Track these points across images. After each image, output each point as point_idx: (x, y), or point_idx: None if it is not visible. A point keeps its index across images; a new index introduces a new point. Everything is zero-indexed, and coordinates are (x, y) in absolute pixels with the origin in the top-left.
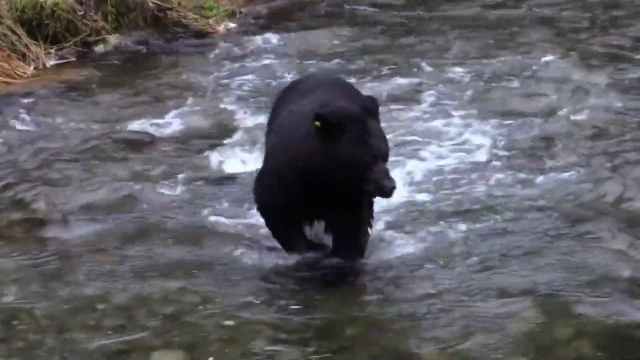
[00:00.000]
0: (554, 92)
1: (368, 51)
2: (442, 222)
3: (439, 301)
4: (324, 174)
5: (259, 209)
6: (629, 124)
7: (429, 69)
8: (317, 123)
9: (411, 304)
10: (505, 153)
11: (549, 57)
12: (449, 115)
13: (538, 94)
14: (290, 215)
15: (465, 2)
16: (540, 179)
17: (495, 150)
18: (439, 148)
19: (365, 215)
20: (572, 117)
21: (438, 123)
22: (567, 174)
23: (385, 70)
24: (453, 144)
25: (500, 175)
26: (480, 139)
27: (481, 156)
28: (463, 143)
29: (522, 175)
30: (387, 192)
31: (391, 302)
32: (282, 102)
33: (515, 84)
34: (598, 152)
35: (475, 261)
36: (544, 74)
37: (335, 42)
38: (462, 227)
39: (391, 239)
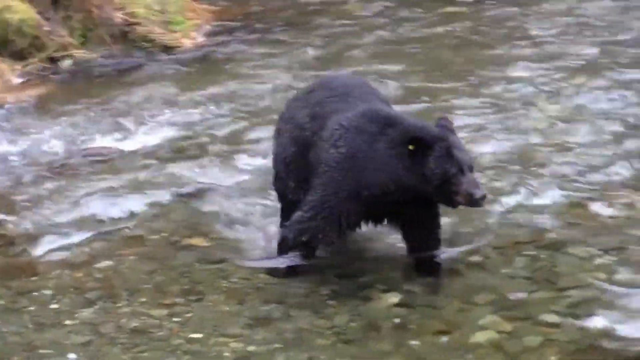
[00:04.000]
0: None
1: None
2: None
3: (406, 311)
4: (416, 191)
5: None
6: None
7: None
8: (411, 146)
9: (380, 312)
10: None
11: None
12: None
13: None
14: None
15: None
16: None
17: None
18: None
19: (438, 211)
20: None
21: None
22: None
23: None
24: None
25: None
26: None
27: None
28: None
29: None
30: (477, 201)
31: (360, 314)
32: (304, 108)
33: None
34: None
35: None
36: None
37: (305, 51)
38: None
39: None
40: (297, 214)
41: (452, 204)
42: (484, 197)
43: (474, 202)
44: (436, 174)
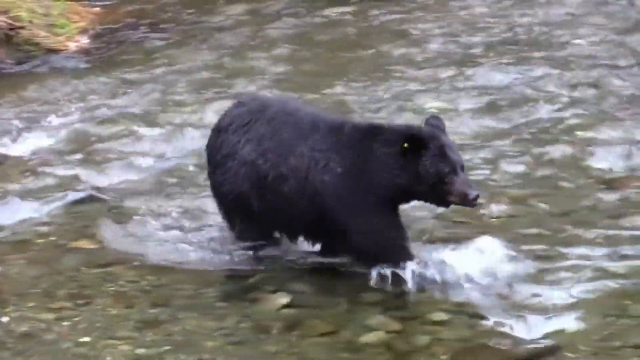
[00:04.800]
0: None
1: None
2: None
3: (295, 311)
4: (410, 192)
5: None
6: None
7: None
8: (406, 144)
9: (268, 313)
10: None
11: None
12: None
13: None
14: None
15: None
16: None
17: None
18: None
19: None
20: None
21: None
22: None
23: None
24: None
25: None
26: None
27: None
28: None
29: None
30: (471, 201)
31: (249, 316)
32: (248, 142)
33: None
34: None
35: (327, 270)
36: None
37: (191, 52)
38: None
39: None
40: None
41: (445, 203)
42: (477, 196)
43: (468, 201)
44: (430, 173)
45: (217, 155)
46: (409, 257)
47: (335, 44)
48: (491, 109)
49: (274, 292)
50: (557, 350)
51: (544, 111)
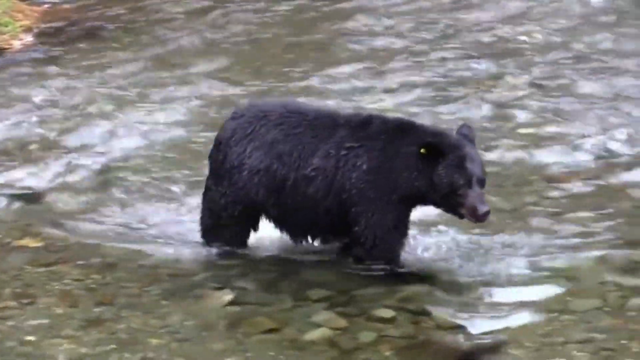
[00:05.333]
0: None
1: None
2: None
3: (239, 309)
4: (425, 195)
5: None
6: None
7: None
8: (423, 150)
9: (213, 310)
10: None
11: None
12: None
13: None
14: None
15: None
16: None
17: None
18: None
19: None
20: None
21: None
22: None
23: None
24: None
25: None
26: None
27: None
28: None
29: None
30: (480, 216)
31: (194, 313)
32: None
33: None
34: None
35: (273, 267)
36: None
37: (135, 51)
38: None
39: None
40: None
41: (457, 214)
42: (487, 212)
43: (477, 217)
44: (443, 183)
45: (220, 169)
46: (398, 263)
47: (279, 37)
48: (435, 102)
49: (218, 289)
50: (502, 346)
51: (487, 108)
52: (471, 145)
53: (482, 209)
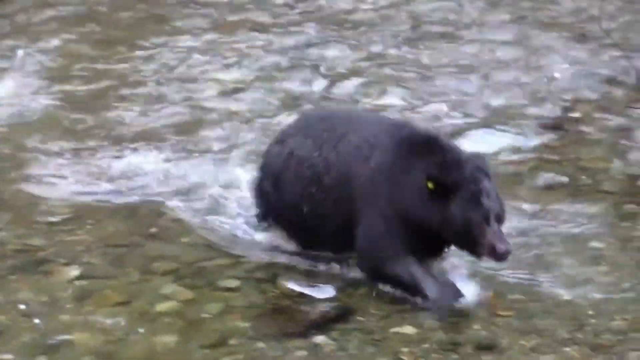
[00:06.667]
0: None
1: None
2: None
3: (86, 283)
4: (437, 233)
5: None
6: None
7: None
8: (430, 185)
9: (60, 285)
10: None
11: None
12: None
13: None
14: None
15: None
16: None
17: None
18: None
19: None
20: None
21: None
22: None
23: None
24: None
25: None
26: None
27: None
28: None
29: None
30: (500, 256)
31: (41, 289)
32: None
33: None
34: None
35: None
36: None
37: None
38: None
39: None
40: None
41: (475, 254)
42: (508, 252)
43: (497, 256)
44: (456, 219)
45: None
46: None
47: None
48: (276, 78)
49: (65, 264)
50: (349, 314)
51: (324, 82)
52: (487, 177)
53: (502, 248)
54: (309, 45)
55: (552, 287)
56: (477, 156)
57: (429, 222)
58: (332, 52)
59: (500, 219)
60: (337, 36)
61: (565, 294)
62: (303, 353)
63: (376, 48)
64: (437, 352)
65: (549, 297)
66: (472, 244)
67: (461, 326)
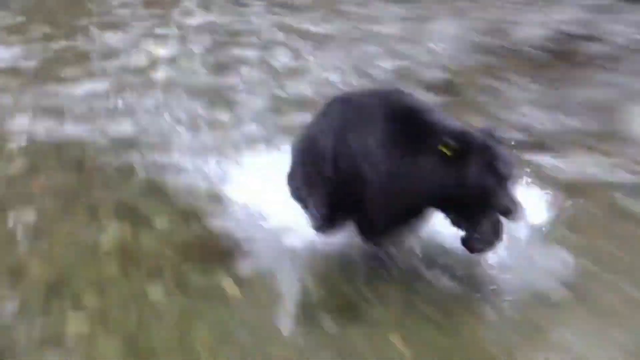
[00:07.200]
0: None
1: None
2: None
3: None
4: (452, 198)
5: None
6: None
7: None
8: (444, 149)
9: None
10: None
11: None
12: None
13: None
14: None
15: None
16: None
17: None
18: None
19: None
20: None
21: None
22: None
23: None
24: None
25: None
26: None
27: None
28: None
29: None
30: (513, 215)
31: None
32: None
33: None
34: None
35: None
36: None
37: None
38: None
39: None
40: None
41: (487, 215)
42: (520, 212)
43: (510, 216)
44: (471, 182)
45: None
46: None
47: None
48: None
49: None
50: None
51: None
52: (498, 144)
53: (514, 208)
54: None
55: None
56: (487, 125)
57: (447, 190)
58: None
59: (513, 182)
60: None
61: None
62: None
63: None
64: None
65: None
66: (488, 205)
67: None
